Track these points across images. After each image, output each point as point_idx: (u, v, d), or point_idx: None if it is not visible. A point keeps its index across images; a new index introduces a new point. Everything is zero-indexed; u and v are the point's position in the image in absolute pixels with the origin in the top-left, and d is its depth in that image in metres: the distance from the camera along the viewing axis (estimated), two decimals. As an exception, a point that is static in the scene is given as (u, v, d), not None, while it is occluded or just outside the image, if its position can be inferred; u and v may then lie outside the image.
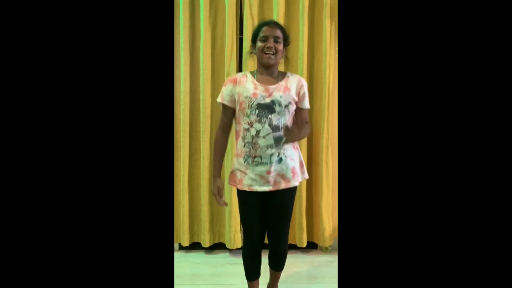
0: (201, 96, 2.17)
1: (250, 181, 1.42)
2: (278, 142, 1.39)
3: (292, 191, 1.47)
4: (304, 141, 2.19)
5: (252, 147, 1.39)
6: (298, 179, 1.47)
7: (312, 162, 2.27)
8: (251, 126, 1.39)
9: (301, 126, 1.45)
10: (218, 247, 2.28)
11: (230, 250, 2.24)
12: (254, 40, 1.46)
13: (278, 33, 1.41)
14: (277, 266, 1.56)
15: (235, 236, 2.20)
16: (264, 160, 1.39)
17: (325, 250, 2.29)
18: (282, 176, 1.42)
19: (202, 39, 2.14)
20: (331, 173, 2.23)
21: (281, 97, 1.40)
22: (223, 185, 1.49)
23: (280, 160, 1.41)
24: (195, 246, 2.27)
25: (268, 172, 1.40)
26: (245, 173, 1.42)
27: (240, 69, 2.19)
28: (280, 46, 1.42)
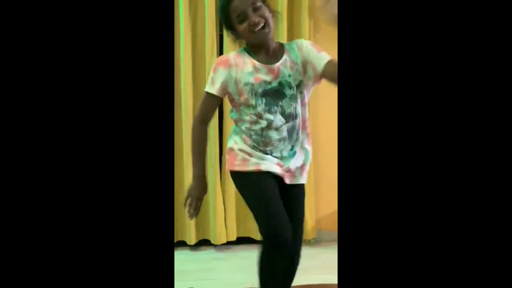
0: (182, 94, 2.17)
1: (260, 161, 1.11)
2: (292, 133, 1.12)
3: (303, 188, 1.21)
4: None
5: (262, 141, 1.11)
6: (305, 177, 1.21)
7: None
8: (260, 118, 1.10)
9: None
10: (203, 243, 2.31)
11: (215, 246, 2.28)
12: (227, 23, 1.12)
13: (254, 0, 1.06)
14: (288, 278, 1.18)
15: (220, 231, 2.24)
16: (275, 154, 1.12)
17: (308, 242, 2.36)
18: (295, 170, 1.16)
19: (182, 38, 2.13)
20: (312, 164, 2.29)
21: (290, 76, 1.10)
22: (206, 190, 1.18)
23: (294, 154, 1.14)
24: (180, 244, 2.29)
25: (279, 165, 1.12)
26: (251, 155, 1.12)
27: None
28: (266, 12, 1.08)
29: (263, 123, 1.10)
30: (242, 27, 1.07)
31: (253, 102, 1.09)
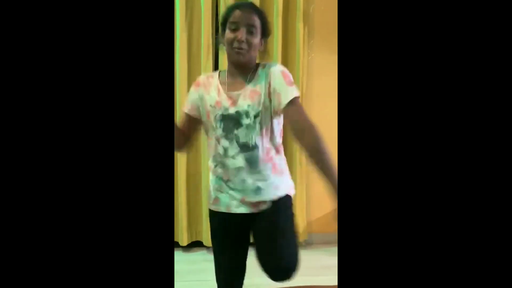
0: (177, 96, 2.19)
1: (218, 196, 1.11)
2: (251, 164, 1.05)
3: (281, 201, 1.09)
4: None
5: (221, 168, 1.09)
6: (284, 191, 1.11)
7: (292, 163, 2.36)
8: (218, 142, 1.08)
9: (303, 136, 0.98)
10: (195, 245, 2.32)
11: (207, 248, 2.29)
12: (223, 25, 1.08)
13: (254, 20, 1.04)
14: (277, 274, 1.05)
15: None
16: (237, 187, 1.07)
17: (300, 245, 2.39)
18: (261, 203, 1.08)
19: (178, 39, 2.16)
20: (304, 167, 2.32)
21: (248, 106, 1.04)
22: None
23: (258, 189, 1.06)
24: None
25: (243, 200, 1.08)
26: (214, 188, 1.13)
27: (216, 68, 2.24)
28: (256, 39, 1.04)
29: (221, 149, 1.07)
30: (228, 35, 1.05)
31: (214, 124, 1.08)
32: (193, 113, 1.13)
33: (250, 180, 1.06)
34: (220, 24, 1.11)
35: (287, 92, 1.02)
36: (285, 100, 1.01)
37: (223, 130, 1.06)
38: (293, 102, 1.01)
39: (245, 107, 1.05)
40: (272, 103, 1.06)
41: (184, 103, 1.18)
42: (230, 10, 1.07)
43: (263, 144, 1.06)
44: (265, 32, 1.09)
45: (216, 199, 1.12)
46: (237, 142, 1.05)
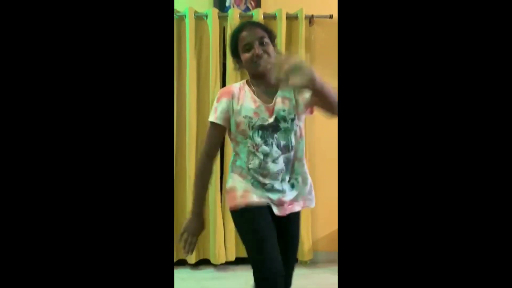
0: (187, 119, 2.31)
1: (259, 197, 1.14)
2: (288, 165, 1.16)
3: (298, 216, 1.23)
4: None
5: (260, 174, 1.14)
6: (302, 204, 1.21)
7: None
8: (257, 150, 1.13)
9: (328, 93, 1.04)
10: (203, 263, 2.37)
11: (215, 266, 2.34)
12: (235, 52, 1.18)
13: (261, 32, 1.15)
14: None
15: (219, 251, 2.30)
16: (277, 187, 1.15)
17: (305, 264, 2.42)
18: (293, 201, 1.18)
19: (188, 66, 2.30)
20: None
21: (284, 111, 1.15)
22: (203, 228, 1.19)
23: (292, 186, 1.18)
24: (180, 262, 2.35)
25: (280, 201, 1.15)
26: (249, 191, 1.15)
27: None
28: (270, 47, 1.15)
29: (260, 156, 1.13)
30: (246, 56, 1.14)
31: (250, 133, 1.14)
32: (225, 123, 1.17)
33: (287, 178, 1.16)
34: (231, 55, 1.21)
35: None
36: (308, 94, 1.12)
37: (262, 137, 1.13)
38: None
39: (282, 113, 1.14)
40: (300, 105, 1.16)
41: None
42: (236, 33, 1.17)
43: (296, 145, 1.17)
44: (273, 38, 1.19)
45: (252, 197, 1.12)
46: (278, 146, 1.14)
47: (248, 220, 1.13)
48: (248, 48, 1.13)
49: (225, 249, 2.33)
